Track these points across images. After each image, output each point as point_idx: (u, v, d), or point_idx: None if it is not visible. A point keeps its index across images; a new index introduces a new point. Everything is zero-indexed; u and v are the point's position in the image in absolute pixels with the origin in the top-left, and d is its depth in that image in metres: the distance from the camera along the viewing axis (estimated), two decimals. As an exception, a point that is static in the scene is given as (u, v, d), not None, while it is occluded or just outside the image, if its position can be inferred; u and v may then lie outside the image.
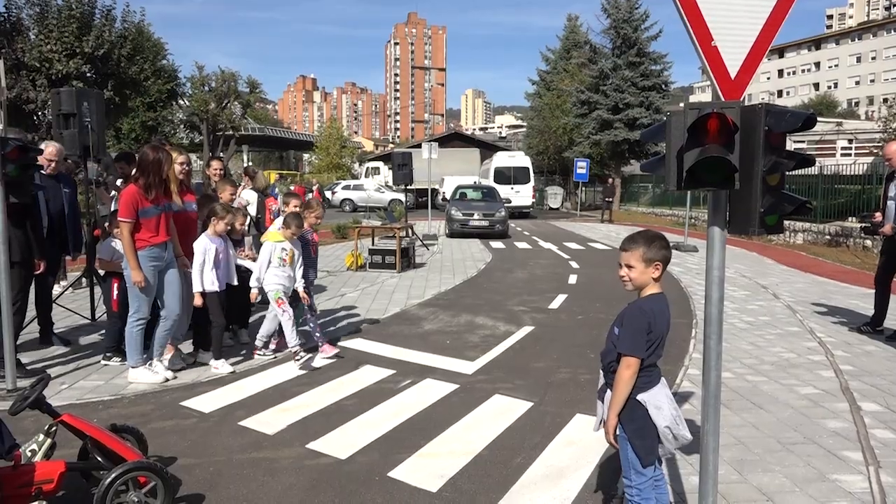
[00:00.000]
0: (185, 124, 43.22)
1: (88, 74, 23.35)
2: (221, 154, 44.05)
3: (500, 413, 5.04)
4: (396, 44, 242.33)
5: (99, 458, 3.40)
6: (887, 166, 7.32)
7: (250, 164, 42.40)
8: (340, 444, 4.43)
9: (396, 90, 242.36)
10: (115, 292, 6.02)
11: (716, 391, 2.72)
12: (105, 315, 6.53)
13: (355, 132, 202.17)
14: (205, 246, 5.95)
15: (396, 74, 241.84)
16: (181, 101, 40.18)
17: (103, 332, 6.57)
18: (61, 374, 5.76)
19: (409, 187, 19.21)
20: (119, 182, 7.79)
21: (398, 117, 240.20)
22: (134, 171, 5.49)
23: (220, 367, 5.98)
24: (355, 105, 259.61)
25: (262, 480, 3.90)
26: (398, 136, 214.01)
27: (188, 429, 4.68)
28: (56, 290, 7.92)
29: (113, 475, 3.20)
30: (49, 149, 6.37)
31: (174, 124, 41.25)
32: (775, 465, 4.06)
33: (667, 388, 2.91)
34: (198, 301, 5.89)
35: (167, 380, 5.64)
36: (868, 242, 15.02)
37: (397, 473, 4.00)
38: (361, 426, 4.75)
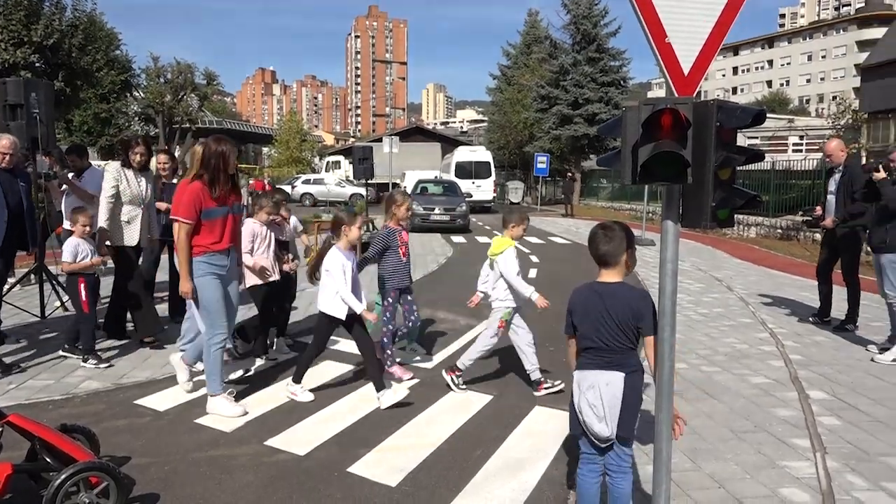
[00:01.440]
0: (140, 117, 42.24)
1: (37, 64, 22.67)
2: (178, 147, 43.21)
3: (460, 407, 5.06)
4: (357, 37, 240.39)
5: (48, 460, 3.31)
6: (828, 163, 7.63)
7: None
8: (299, 440, 4.40)
9: (357, 84, 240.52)
10: (84, 293, 5.78)
11: (669, 381, 2.77)
12: (62, 312, 6.35)
13: (315, 126, 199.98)
14: (341, 262, 5.02)
15: (357, 68, 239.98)
16: (136, 93, 39.26)
17: (55, 331, 6.40)
18: (9, 374, 5.59)
19: (369, 182, 19.10)
20: (71, 175, 7.58)
21: (359, 111, 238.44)
22: (196, 165, 4.74)
23: (300, 394, 5.20)
24: (315, 98, 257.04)
25: (219, 478, 3.85)
26: (359, 130, 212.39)
27: (142, 428, 4.59)
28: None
29: (63, 476, 3.12)
30: (3, 141, 6.15)
31: (128, 117, 40.32)
32: (727, 452, 4.16)
33: (605, 381, 2.93)
34: (371, 316, 5.05)
35: (245, 412, 4.85)
36: (818, 236, 15.48)
37: (356, 468, 3.98)
38: (320, 422, 4.72)
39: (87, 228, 5.96)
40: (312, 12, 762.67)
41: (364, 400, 5.15)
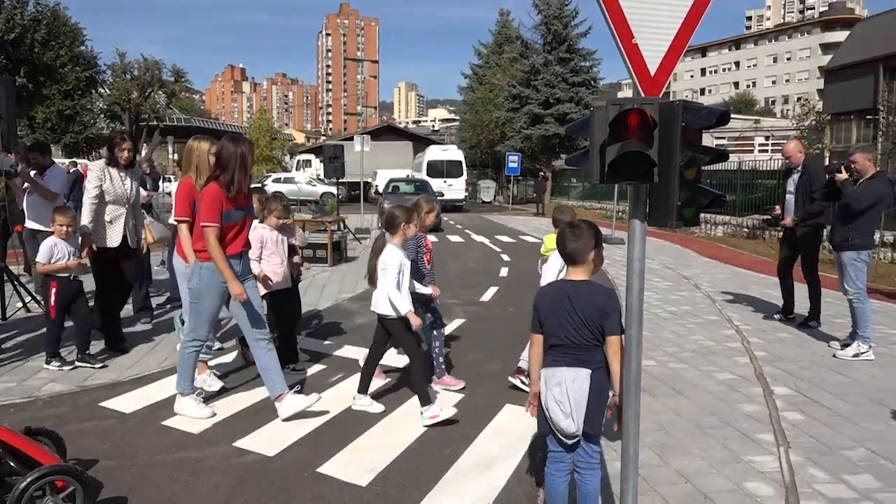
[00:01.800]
0: (106, 114, 41.44)
1: (-2, 60, 22.13)
2: (144, 145, 42.51)
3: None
4: (328, 34, 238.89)
5: (11, 464, 3.23)
6: (787, 163, 7.83)
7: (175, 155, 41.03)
8: (268, 440, 4.36)
9: (328, 82, 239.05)
10: (53, 297, 5.60)
11: (636, 378, 2.80)
12: (24, 314, 6.19)
13: (286, 124, 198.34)
14: (399, 260, 4.74)
15: (328, 66, 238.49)
16: (101, 90, 38.54)
17: (17, 333, 6.26)
18: (-31, 376, 5.46)
19: (340, 180, 19.01)
20: (33, 173, 7.41)
21: (330, 109, 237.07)
22: (216, 169, 4.60)
23: (441, 411, 4.68)
24: (286, 96, 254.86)
25: (187, 481, 3.80)
26: (330, 129, 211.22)
27: (108, 430, 4.51)
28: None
29: (27, 480, 3.05)
30: None
31: (94, 114, 39.54)
32: (694, 448, 4.22)
33: (571, 378, 2.95)
34: (415, 322, 4.74)
35: (213, 414, 4.77)
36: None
37: (326, 469, 3.97)
38: (290, 422, 4.68)
39: (67, 229, 5.72)
40: (283, 9, 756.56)
41: (335, 400, 5.13)
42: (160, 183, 19.21)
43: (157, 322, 7.40)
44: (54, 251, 5.63)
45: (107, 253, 6.12)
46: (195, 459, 4.07)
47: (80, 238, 5.93)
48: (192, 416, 4.70)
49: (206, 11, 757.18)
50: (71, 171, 14.74)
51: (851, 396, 5.22)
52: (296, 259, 6.10)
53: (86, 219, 5.95)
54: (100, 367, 5.72)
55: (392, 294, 4.69)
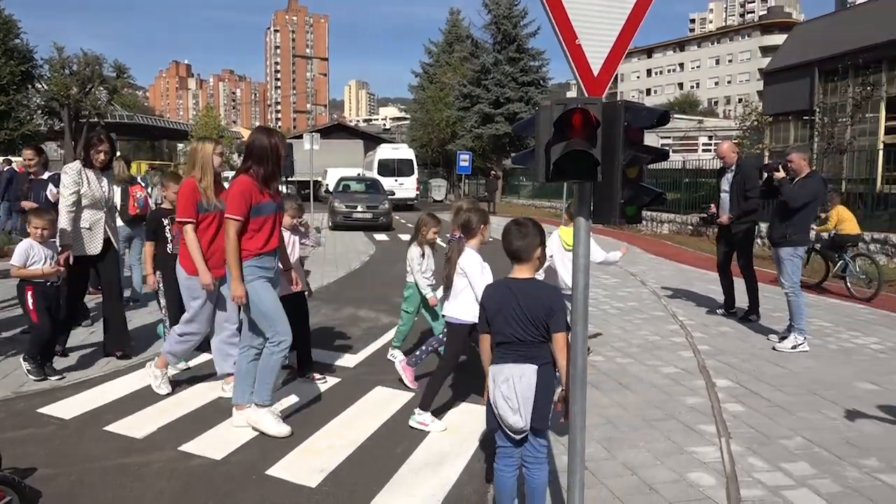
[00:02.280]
0: (44, 110, 40.05)
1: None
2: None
3: (382, 404, 5.06)
4: (276, 31, 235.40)
5: (-59, 474, 3.11)
6: (721, 163, 8.12)
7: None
8: (215, 444, 4.28)
9: (277, 79, 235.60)
10: (31, 301, 5.27)
11: (582, 374, 2.85)
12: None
13: (234, 122, 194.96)
14: (479, 262, 4.65)
15: (277, 63, 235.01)
16: (38, 85, 37.19)
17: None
18: None
19: (290, 179, 18.78)
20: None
21: (279, 107, 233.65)
22: (247, 161, 4.43)
23: (430, 424, 4.57)
24: (233, 93, 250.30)
25: (130, 487, 3.70)
26: (279, 127, 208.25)
27: (47, 437, 4.36)
28: None
29: (-43, 491, 2.94)
30: None
31: (30, 110, 38.14)
32: (640, 441, 4.32)
33: (518, 374, 2.99)
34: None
35: (291, 433, 4.44)
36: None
37: (275, 471, 3.92)
38: (238, 425, 4.60)
39: (42, 232, 5.37)
40: (229, 4, 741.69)
41: (285, 401, 5.06)
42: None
43: (99, 326, 7.18)
44: (30, 254, 5.33)
45: (85, 261, 5.82)
46: (139, 465, 3.97)
47: (59, 245, 5.55)
48: (268, 432, 4.38)
49: (149, 5, 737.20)
50: (5, 169, 14.19)
51: (788, 387, 5.42)
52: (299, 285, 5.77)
53: (65, 225, 5.57)
54: (57, 380, 5.41)
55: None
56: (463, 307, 4.59)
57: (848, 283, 9.77)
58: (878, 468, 3.92)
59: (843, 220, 9.92)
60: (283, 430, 4.41)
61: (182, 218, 4.90)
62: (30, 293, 5.30)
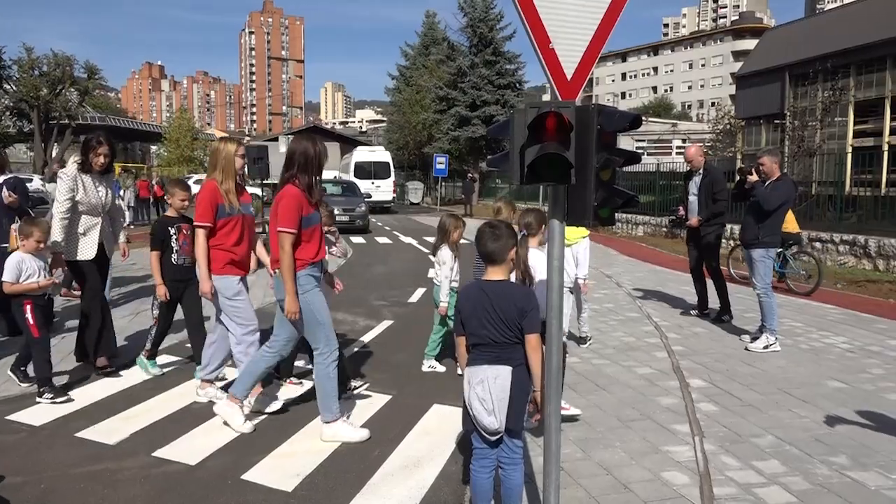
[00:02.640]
0: (12, 111, 39.32)
1: None
2: (56, 144, 40.55)
3: (359, 408, 5.04)
4: (251, 33, 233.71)
5: None
6: (689, 167, 8.26)
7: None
8: (190, 449, 4.24)
9: (252, 81, 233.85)
10: (31, 316, 4.99)
11: (557, 375, 2.88)
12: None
13: (208, 124, 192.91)
14: (544, 261, 4.87)
15: (252, 65, 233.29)
16: (6, 86, 36.53)
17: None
18: None
19: (265, 182, 18.63)
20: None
21: (254, 109, 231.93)
22: (290, 169, 4.35)
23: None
24: (208, 95, 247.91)
25: (103, 494, 3.65)
26: (255, 129, 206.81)
27: (16, 444, 4.28)
28: None
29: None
30: None
31: (-2, 111, 37.47)
32: (616, 441, 4.36)
33: (493, 375, 3.00)
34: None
35: (369, 436, 4.44)
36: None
37: (251, 475, 3.89)
38: (213, 430, 4.57)
39: (41, 245, 5.14)
40: (203, 5, 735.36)
41: (258, 406, 5.03)
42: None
43: (70, 334, 7.08)
44: (22, 267, 5.03)
45: (80, 265, 5.60)
46: (112, 471, 3.92)
47: (50, 255, 5.35)
48: (350, 440, 4.36)
49: (121, 6, 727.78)
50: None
51: (760, 386, 5.50)
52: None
53: (57, 235, 5.34)
54: (63, 401, 5.02)
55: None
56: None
57: (787, 279, 10.28)
58: (847, 465, 4.00)
59: (785, 220, 10.26)
60: (363, 433, 4.43)
61: (200, 222, 4.69)
62: (29, 308, 4.99)
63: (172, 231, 5.46)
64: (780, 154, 10.00)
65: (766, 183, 6.73)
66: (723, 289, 8.02)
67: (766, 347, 6.58)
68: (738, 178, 7.32)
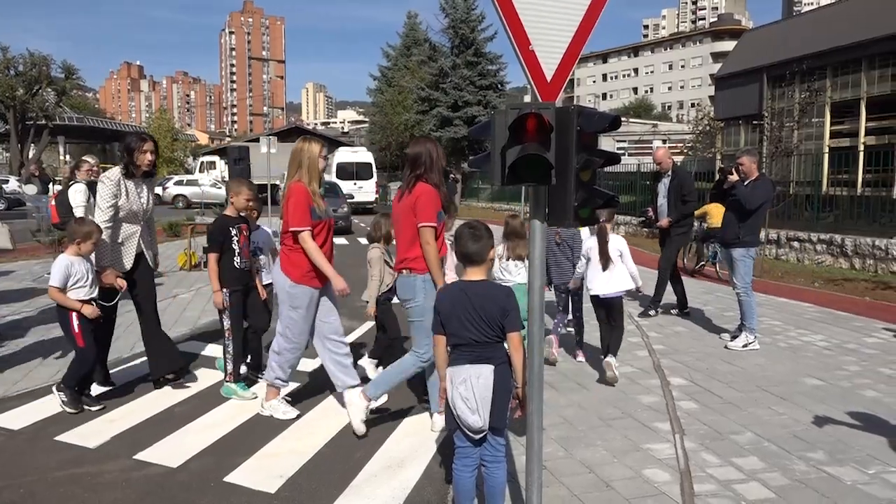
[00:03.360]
0: (-13, 111, 38.75)
1: None
2: (32, 145, 40.02)
3: (340, 410, 5.02)
4: (232, 33, 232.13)
5: None
6: (658, 168, 8.37)
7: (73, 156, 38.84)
8: (172, 452, 4.22)
9: (233, 81, 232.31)
10: (76, 324, 4.69)
11: (539, 374, 2.90)
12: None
13: (188, 124, 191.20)
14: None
15: (232, 65, 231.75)
16: (-20, 86, 35.98)
17: None
18: None
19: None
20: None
21: (235, 110, 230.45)
22: (419, 168, 4.44)
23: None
24: (188, 96, 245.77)
25: (83, 497, 3.62)
26: (235, 130, 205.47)
27: (-6, 449, 4.24)
28: None
29: None
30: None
31: (-27, 112, 36.90)
32: (597, 439, 4.40)
33: (475, 374, 3.01)
34: None
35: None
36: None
37: (234, 477, 3.88)
38: (195, 432, 4.55)
39: (93, 247, 4.81)
40: (183, 5, 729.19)
41: (242, 408, 5.01)
42: (50, 186, 18.18)
43: (49, 335, 7.01)
44: (70, 272, 4.68)
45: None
46: (92, 475, 3.89)
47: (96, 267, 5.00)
48: (352, 421, 4.46)
49: (99, 5, 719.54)
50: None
51: (739, 384, 5.57)
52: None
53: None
54: (97, 410, 4.90)
55: (634, 272, 5.89)
56: (622, 280, 5.77)
57: (717, 269, 11.26)
58: (824, 461, 4.07)
59: (713, 214, 10.83)
60: (360, 428, 4.46)
61: (300, 227, 4.52)
62: (74, 315, 4.71)
63: (234, 232, 5.16)
64: (759, 154, 10.10)
65: (746, 182, 6.80)
66: (662, 284, 8.27)
67: (745, 346, 6.66)
68: (717, 177, 7.42)
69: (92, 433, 4.48)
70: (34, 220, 14.41)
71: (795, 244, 13.37)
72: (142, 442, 4.35)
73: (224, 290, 5.12)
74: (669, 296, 9.10)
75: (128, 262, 5.21)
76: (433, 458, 4.15)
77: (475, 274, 3.15)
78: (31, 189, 18.68)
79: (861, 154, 18.79)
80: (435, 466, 4.04)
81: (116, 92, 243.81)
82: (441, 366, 3.18)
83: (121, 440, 4.40)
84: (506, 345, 3.08)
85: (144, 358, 6.05)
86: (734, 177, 6.87)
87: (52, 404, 4.97)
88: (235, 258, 5.16)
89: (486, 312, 3.00)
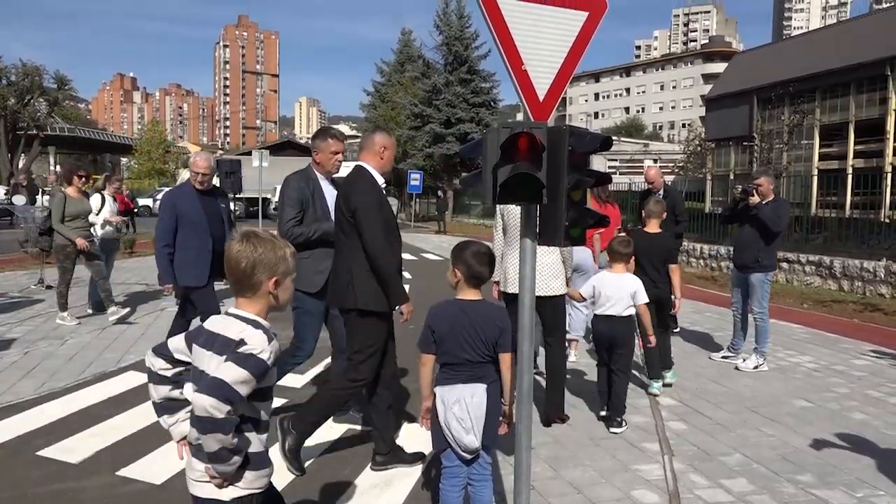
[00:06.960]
0: (-22, 121, 38.56)
1: None
2: (23, 155, 39.86)
3: (328, 425, 4.95)
4: (226, 46, 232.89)
5: None
6: (648, 187, 8.40)
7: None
8: (156, 468, 4.15)
9: (226, 94, 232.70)
10: None
11: (528, 393, 2.88)
12: None
13: (180, 137, 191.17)
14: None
15: (226, 78, 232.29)
16: (-28, 95, 35.86)
17: None
18: None
19: (238, 196, 18.52)
20: None
21: (228, 123, 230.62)
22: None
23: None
24: (180, 108, 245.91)
25: (64, 514, 3.56)
26: (228, 143, 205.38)
27: (-26, 463, 4.16)
28: None
29: None
30: (199, 160, 5.69)
31: (-36, 120, 36.74)
32: (586, 459, 4.37)
33: (469, 394, 3.00)
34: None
35: None
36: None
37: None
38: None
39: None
40: (177, 17, 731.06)
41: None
42: (38, 196, 18.09)
43: (34, 349, 6.93)
44: None
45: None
46: (74, 491, 3.83)
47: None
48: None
49: (93, 16, 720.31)
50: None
51: (728, 405, 5.57)
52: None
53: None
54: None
55: None
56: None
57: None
58: (813, 483, 4.05)
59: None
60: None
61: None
62: None
63: None
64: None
65: (765, 204, 6.56)
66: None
67: (755, 368, 6.63)
68: (735, 199, 6.91)
69: (74, 448, 4.41)
70: (22, 230, 14.34)
71: (784, 265, 13.44)
72: (125, 458, 4.29)
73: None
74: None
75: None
76: (420, 478, 4.11)
77: (475, 294, 3.13)
78: (19, 200, 18.63)
79: (850, 177, 18.99)
80: (422, 485, 4.00)
81: (109, 103, 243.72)
82: (426, 384, 3.14)
83: (104, 456, 4.33)
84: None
85: (131, 371, 6.02)
86: (756, 198, 6.57)
87: (36, 418, 4.92)
88: None
89: (486, 334, 3.00)
